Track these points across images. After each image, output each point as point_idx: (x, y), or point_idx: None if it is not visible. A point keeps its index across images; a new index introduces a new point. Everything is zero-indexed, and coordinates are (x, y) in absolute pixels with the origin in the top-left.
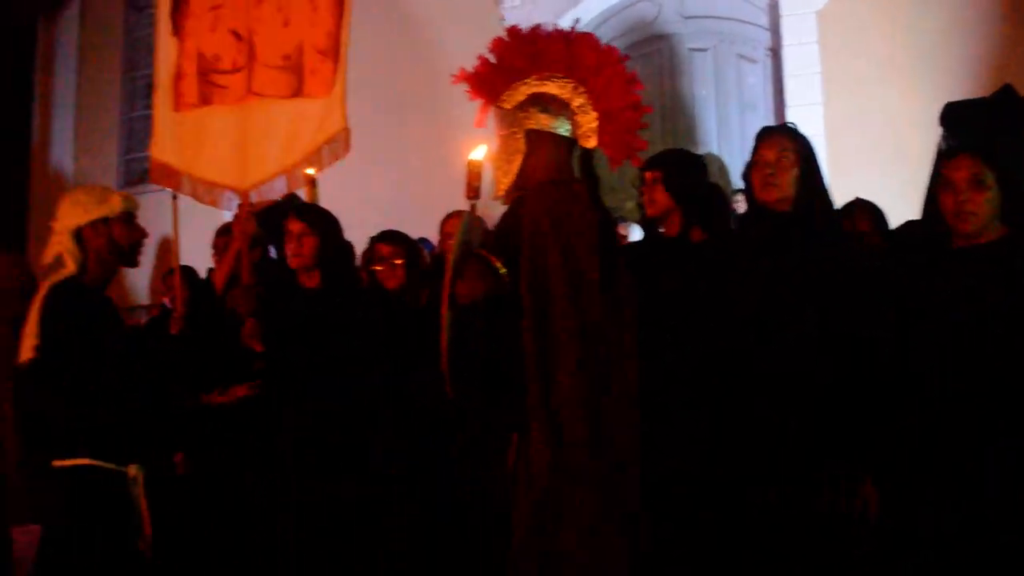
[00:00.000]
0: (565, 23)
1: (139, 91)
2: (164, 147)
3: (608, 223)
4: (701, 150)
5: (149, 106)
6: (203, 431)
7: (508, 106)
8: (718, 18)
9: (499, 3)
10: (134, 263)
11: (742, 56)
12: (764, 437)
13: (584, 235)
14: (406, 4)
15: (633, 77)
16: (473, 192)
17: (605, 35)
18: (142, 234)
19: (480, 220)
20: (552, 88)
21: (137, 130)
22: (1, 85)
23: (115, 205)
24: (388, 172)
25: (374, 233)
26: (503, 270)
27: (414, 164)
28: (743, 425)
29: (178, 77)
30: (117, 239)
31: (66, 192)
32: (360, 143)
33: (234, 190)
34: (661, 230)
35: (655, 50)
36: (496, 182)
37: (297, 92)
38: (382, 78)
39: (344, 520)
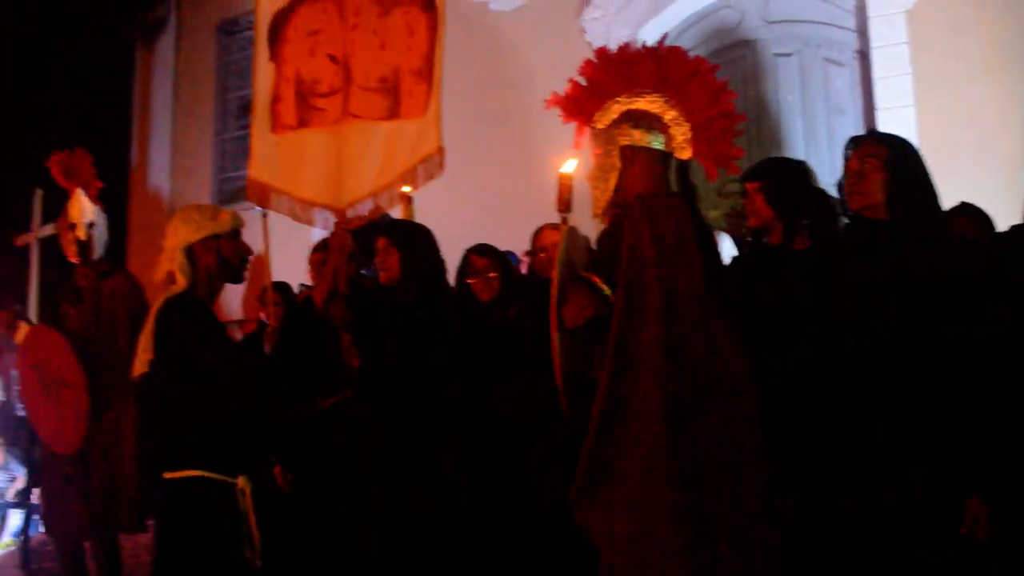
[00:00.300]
0: (646, 33)
1: (231, 112)
2: (261, 167)
3: (708, 235)
4: (791, 156)
5: (241, 127)
6: (294, 442)
7: (601, 125)
8: (803, 22)
9: (579, 16)
10: (240, 279)
11: (828, 60)
12: (858, 442)
13: (684, 248)
14: (489, 21)
15: (723, 86)
16: (565, 205)
17: (687, 43)
18: (248, 251)
19: (582, 237)
20: (643, 104)
21: (229, 150)
22: (101, 110)
23: (224, 222)
24: (477, 188)
25: (464, 247)
26: (608, 291)
27: (502, 179)
28: (839, 430)
29: (275, 100)
30: (226, 255)
31: (164, 212)
32: (450, 159)
33: (331, 208)
34: (765, 240)
35: (739, 56)
36: (593, 200)
37: (393, 114)
38: (468, 95)
39: (415, 530)
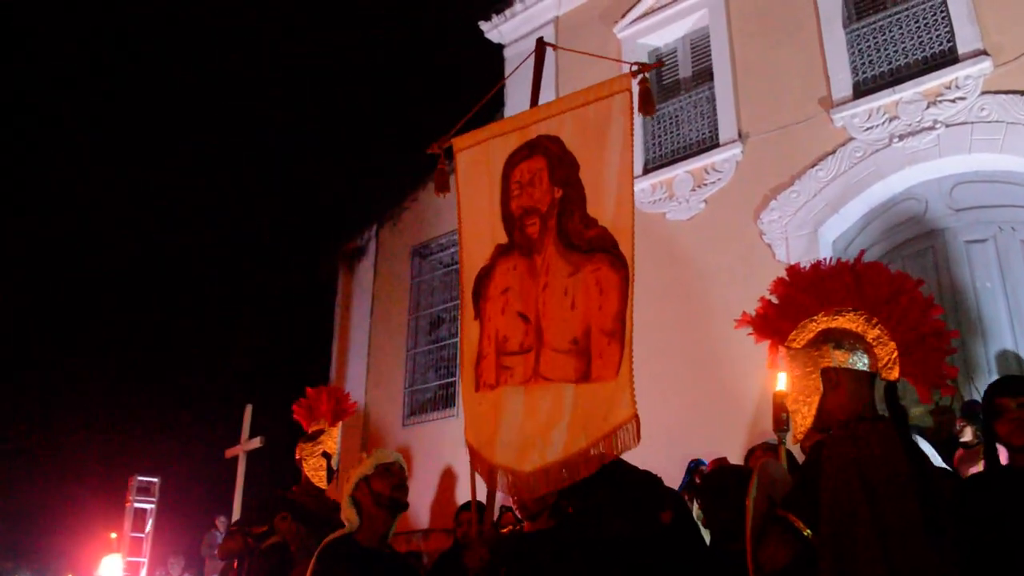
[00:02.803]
0: (825, 231)
1: (422, 328)
2: (471, 429)
3: (922, 461)
4: (995, 345)
5: (430, 341)
6: None
7: (798, 345)
8: (994, 207)
9: (756, 219)
10: (401, 507)
11: None
12: None
13: (895, 480)
14: (667, 231)
15: (930, 302)
16: (780, 423)
17: (870, 238)
18: (399, 478)
19: (780, 468)
20: (844, 322)
21: (420, 363)
22: (307, 330)
23: (367, 465)
24: (666, 394)
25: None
26: (807, 532)
27: (688, 386)
28: None
29: (480, 358)
30: (377, 490)
31: (360, 425)
32: (644, 369)
33: (511, 472)
34: (1005, 460)
35: (927, 247)
36: (794, 425)
37: (585, 376)
38: (651, 305)
39: None
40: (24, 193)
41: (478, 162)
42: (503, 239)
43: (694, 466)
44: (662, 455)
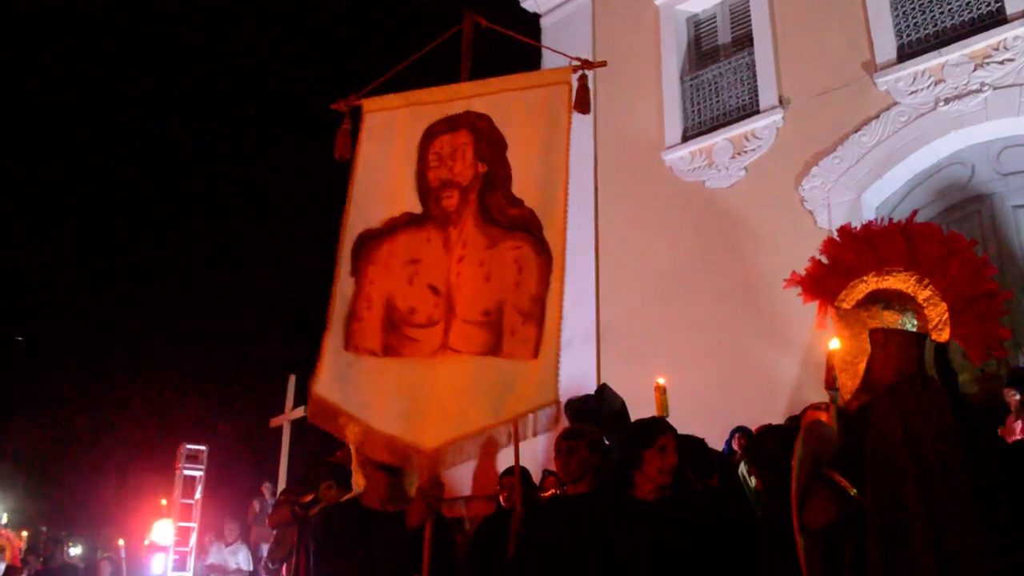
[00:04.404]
0: (868, 197)
1: None
2: (331, 386)
3: (972, 422)
4: None
5: None
6: None
7: (847, 306)
8: None
9: (797, 185)
10: (393, 470)
11: None
12: None
13: (942, 442)
14: (705, 198)
15: (984, 262)
16: (832, 383)
17: (914, 204)
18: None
19: (827, 428)
20: (894, 283)
21: None
22: None
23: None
24: (715, 361)
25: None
26: (854, 492)
27: (737, 352)
28: None
29: (352, 317)
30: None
31: None
32: (693, 337)
33: (415, 449)
34: None
35: (974, 211)
36: (841, 386)
37: (495, 350)
38: (699, 284)
39: None
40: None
41: (388, 127)
42: (416, 208)
43: (737, 433)
44: (703, 424)
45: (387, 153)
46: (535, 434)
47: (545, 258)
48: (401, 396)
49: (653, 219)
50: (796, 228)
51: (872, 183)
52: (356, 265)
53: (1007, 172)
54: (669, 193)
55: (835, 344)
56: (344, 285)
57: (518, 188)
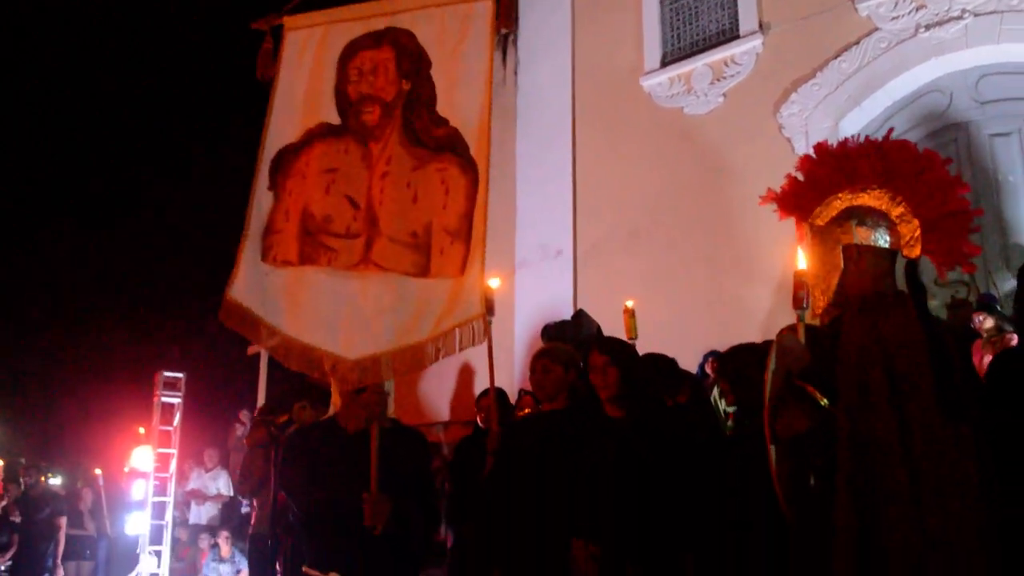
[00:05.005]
0: (847, 124)
1: None
2: (246, 293)
3: (941, 338)
4: (1015, 239)
5: None
6: None
7: (821, 222)
8: (1019, 99)
9: (776, 112)
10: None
11: None
12: None
13: (911, 352)
14: (684, 125)
15: (957, 180)
16: (799, 302)
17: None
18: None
19: (798, 342)
20: (868, 200)
21: None
22: None
23: None
24: (689, 289)
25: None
26: (824, 401)
27: (711, 280)
28: None
29: (269, 230)
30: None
31: None
32: (664, 263)
33: (337, 358)
34: None
35: (950, 140)
36: (814, 300)
37: (424, 271)
38: (669, 200)
39: None
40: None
41: (309, 44)
42: (335, 120)
43: (711, 358)
44: (676, 349)
45: (307, 69)
46: (462, 349)
47: (471, 176)
48: (319, 306)
49: (631, 145)
50: (773, 156)
51: (851, 110)
52: (274, 179)
53: (985, 100)
54: (647, 119)
55: (802, 265)
56: (262, 199)
57: (443, 107)
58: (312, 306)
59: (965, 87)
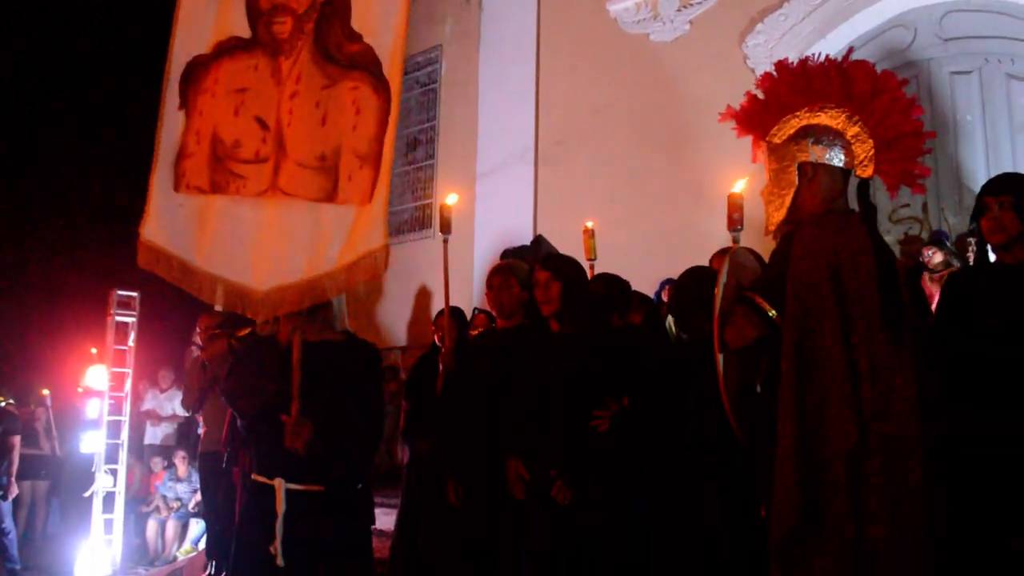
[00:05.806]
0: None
1: (398, 150)
2: (157, 230)
3: (888, 254)
4: (968, 179)
5: (407, 163)
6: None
7: (779, 140)
8: (982, 38)
9: (741, 43)
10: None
11: (1012, 76)
12: None
13: (858, 265)
14: (650, 52)
15: (912, 102)
16: (733, 224)
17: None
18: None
19: (750, 256)
20: (824, 119)
21: (395, 185)
22: None
23: None
24: (650, 216)
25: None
26: (773, 313)
27: (672, 207)
28: None
29: (181, 155)
30: None
31: None
32: (625, 189)
33: (247, 290)
34: (993, 258)
35: (911, 76)
36: (767, 217)
37: (330, 197)
38: (635, 126)
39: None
40: None
41: None
42: (245, 33)
43: (667, 285)
44: (633, 275)
45: None
46: (363, 280)
47: (384, 97)
48: (228, 237)
49: (595, 70)
50: (737, 86)
51: (816, 42)
52: (185, 97)
53: (948, 37)
54: (612, 45)
55: (738, 187)
56: (171, 120)
57: (357, 21)
58: (222, 237)
59: (930, 22)
